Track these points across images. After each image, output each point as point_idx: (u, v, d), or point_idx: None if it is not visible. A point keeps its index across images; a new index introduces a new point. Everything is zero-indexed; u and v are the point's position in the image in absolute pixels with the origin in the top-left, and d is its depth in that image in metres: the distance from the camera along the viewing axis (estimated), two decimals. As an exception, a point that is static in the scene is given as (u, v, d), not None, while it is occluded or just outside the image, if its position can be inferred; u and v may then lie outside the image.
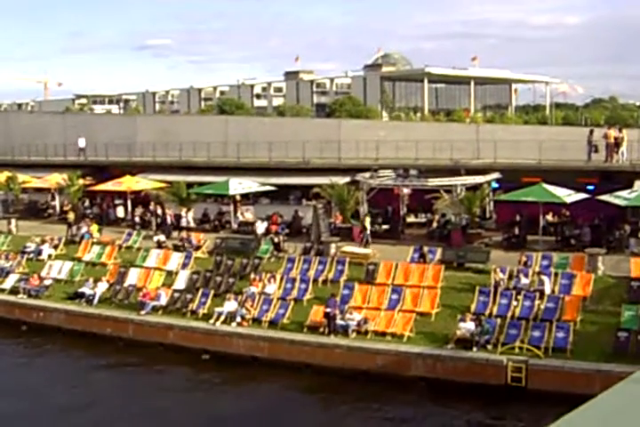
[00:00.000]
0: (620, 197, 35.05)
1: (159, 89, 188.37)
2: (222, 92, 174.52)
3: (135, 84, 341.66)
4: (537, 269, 31.96)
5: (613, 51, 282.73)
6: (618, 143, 40.35)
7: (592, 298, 29.35)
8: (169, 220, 43.96)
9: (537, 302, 28.92)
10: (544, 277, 29.98)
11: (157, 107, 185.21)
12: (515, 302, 29.16)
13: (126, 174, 50.20)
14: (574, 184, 38.31)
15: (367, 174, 41.45)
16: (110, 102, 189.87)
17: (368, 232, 38.13)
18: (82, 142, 57.43)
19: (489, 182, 40.55)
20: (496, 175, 40.80)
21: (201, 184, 46.09)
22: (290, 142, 47.36)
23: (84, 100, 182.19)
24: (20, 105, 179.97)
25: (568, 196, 36.18)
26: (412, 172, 39.56)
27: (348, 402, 25.94)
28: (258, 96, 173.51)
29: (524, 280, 30.51)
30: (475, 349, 26.44)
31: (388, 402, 25.64)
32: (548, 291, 29.59)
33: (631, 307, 27.65)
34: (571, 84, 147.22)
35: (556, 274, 31.06)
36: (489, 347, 26.56)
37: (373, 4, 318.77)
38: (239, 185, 43.76)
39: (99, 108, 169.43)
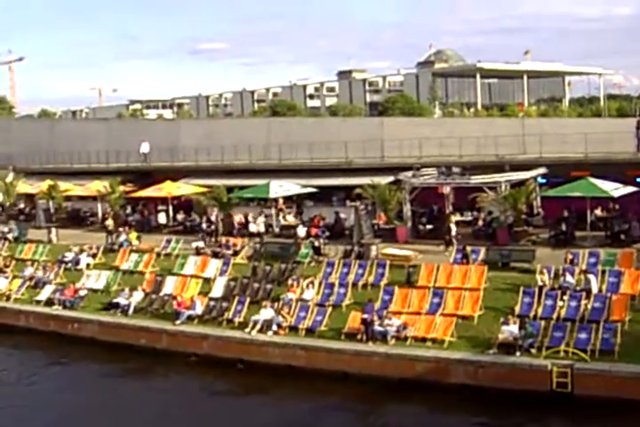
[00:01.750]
0: (673, 190, 33.65)
1: (212, 92, 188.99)
2: (275, 94, 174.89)
3: (189, 88, 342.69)
4: (583, 267, 30.64)
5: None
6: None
7: (641, 297, 28.02)
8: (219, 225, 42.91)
9: (583, 301, 27.63)
10: (590, 276, 28.68)
11: (211, 110, 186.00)
12: (560, 303, 27.93)
13: (169, 180, 49.75)
14: (624, 177, 36.95)
15: (409, 173, 40.31)
16: (164, 107, 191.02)
17: (454, 233, 36.28)
18: (145, 147, 56.48)
19: (535, 178, 39.27)
20: (542, 171, 39.49)
21: (242, 188, 45.29)
22: (332, 142, 46.46)
23: (137, 106, 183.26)
24: (74, 112, 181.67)
25: (615, 189, 34.85)
26: (455, 169, 38.37)
27: (384, 412, 25.04)
28: (311, 96, 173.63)
29: (570, 279, 29.20)
30: (518, 353, 25.29)
31: (425, 411, 24.69)
32: (595, 290, 28.29)
33: (682, 305, 26.36)
34: (625, 74, 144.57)
35: (603, 272, 29.74)
36: (533, 351, 25.37)
37: (425, 1, 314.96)
38: (280, 188, 42.96)
39: (152, 113, 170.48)
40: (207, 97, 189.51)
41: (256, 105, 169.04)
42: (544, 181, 40.23)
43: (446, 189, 40.67)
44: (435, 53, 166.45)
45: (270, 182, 43.02)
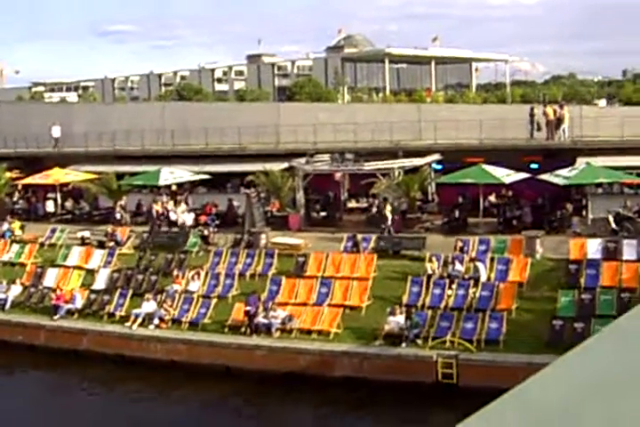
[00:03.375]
0: (560, 176, 33.43)
1: (119, 75, 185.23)
2: (183, 77, 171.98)
3: (97, 71, 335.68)
4: (473, 254, 30.17)
5: (573, 29, 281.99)
6: (560, 120, 38.58)
7: (529, 284, 27.73)
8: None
9: (471, 290, 27.23)
10: (479, 264, 28.26)
11: (117, 93, 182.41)
12: (449, 292, 27.46)
13: (63, 166, 47.88)
14: (519, 163, 36.65)
15: (303, 160, 39.36)
16: (68, 90, 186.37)
17: (389, 223, 34.68)
18: (56, 131, 52.99)
19: (429, 164, 38.73)
20: (436, 157, 38.99)
21: (134, 174, 43.84)
22: (228, 128, 45.22)
23: (41, 88, 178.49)
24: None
25: (507, 176, 34.47)
26: (348, 156, 37.52)
27: (264, 408, 24.22)
28: (219, 80, 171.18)
29: (459, 267, 28.74)
30: (404, 344, 24.73)
31: (309, 406, 23.96)
32: (483, 278, 27.85)
33: (568, 292, 26.16)
34: (531, 62, 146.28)
35: (492, 259, 29.32)
36: (419, 342, 24.87)
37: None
38: (170, 175, 41.46)
39: (56, 97, 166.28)
40: (113, 80, 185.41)
41: (163, 89, 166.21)
42: (440, 167, 39.69)
43: (338, 176, 39.93)
44: (344, 38, 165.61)
45: (161, 169, 41.58)
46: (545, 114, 39.15)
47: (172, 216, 40.17)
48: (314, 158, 39.07)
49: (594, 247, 29.47)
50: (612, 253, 29.10)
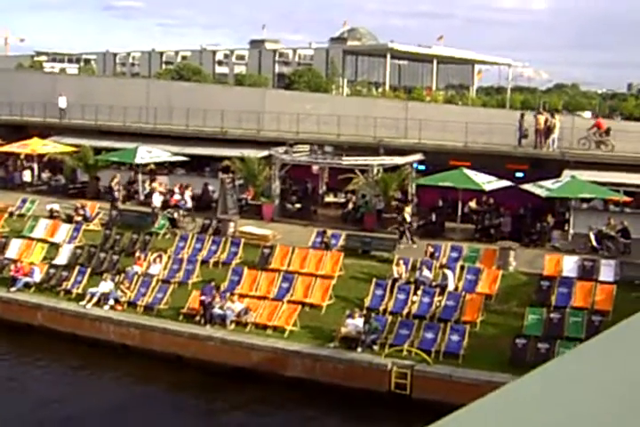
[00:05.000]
0: (543, 187, 32.47)
1: (121, 50, 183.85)
2: (184, 57, 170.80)
3: (100, 44, 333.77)
4: (444, 261, 29.24)
5: (582, 38, 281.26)
6: (550, 130, 37.66)
7: (498, 297, 26.76)
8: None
9: (437, 298, 26.27)
10: (447, 271, 27.26)
11: (118, 68, 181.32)
12: (414, 298, 26.51)
13: (46, 137, 46.95)
14: (503, 170, 35.75)
15: (282, 149, 38.39)
16: (70, 61, 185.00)
17: (408, 226, 33.02)
18: (62, 102, 51.42)
19: (411, 164, 37.80)
20: (418, 157, 38.02)
21: (113, 150, 42.93)
22: (211, 111, 44.25)
23: (43, 58, 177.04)
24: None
25: (489, 183, 33.54)
26: (327, 148, 36.70)
27: (212, 401, 23.41)
28: (220, 63, 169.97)
29: (427, 273, 27.77)
30: (359, 349, 23.78)
31: (256, 405, 23.11)
32: (451, 287, 26.91)
33: (536, 310, 25.07)
34: (535, 68, 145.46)
35: (462, 268, 28.39)
36: (375, 348, 23.91)
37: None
38: (147, 154, 40.56)
39: (56, 67, 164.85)
40: (115, 55, 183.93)
41: (164, 67, 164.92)
42: (423, 167, 38.74)
43: (316, 169, 39.02)
44: (349, 31, 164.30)
45: (138, 147, 40.63)
46: (536, 121, 38.20)
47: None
48: (294, 148, 38.09)
49: (570, 265, 28.50)
50: (587, 273, 28.08)
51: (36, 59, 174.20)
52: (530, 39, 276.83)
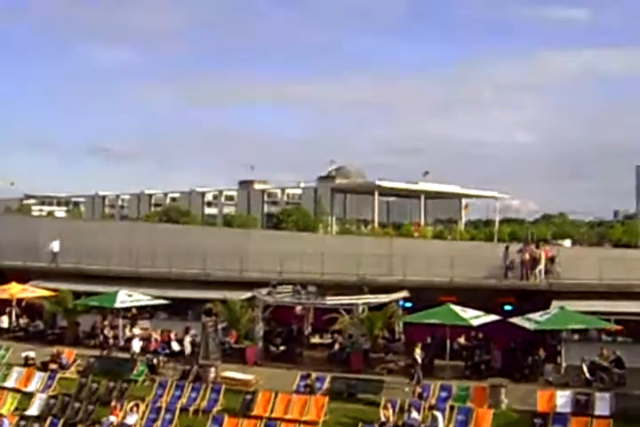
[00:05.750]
0: (531, 320, 31.80)
1: (110, 192, 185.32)
2: (174, 199, 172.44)
3: (91, 186, 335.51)
4: (433, 401, 28.00)
5: (569, 169, 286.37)
6: (536, 260, 37.26)
7: (491, 439, 25.46)
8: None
9: (427, 441, 24.96)
10: (437, 413, 25.93)
11: (107, 211, 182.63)
12: (402, 442, 25.19)
13: (25, 281, 46.28)
14: (493, 304, 35.05)
15: (264, 290, 37.72)
16: (59, 204, 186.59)
17: (419, 368, 31.88)
18: (56, 246, 51.23)
19: (397, 301, 37.01)
20: (403, 294, 37.36)
21: (93, 294, 42.15)
22: (194, 253, 43.86)
23: (32, 201, 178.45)
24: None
25: (476, 318, 32.79)
26: (311, 288, 35.96)
27: None
28: (209, 204, 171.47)
29: (416, 416, 26.32)
30: None
31: None
32: (441, 429, 25.61)
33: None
34: (523, 200, 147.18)
35: (452, 408, 27.10)
36: None
37: (332, 118, 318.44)
38: (128, 297, 39.82)
39: (45, 210, 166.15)
40: (104, 197, 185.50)
41: (153, 209, 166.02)
42: (410, 305, 37.95)
43: (299, 309, 38.25)
44: (336, 169, 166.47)
45: (118, 291, 39.93)
46: (521, 253, 37.86)
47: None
48: (277, 289, 37.40)
49: (563, 400, 27.39)
50: (582, 407, 26.91)
51: (25, 202, 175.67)
52: (516, 171, 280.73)
